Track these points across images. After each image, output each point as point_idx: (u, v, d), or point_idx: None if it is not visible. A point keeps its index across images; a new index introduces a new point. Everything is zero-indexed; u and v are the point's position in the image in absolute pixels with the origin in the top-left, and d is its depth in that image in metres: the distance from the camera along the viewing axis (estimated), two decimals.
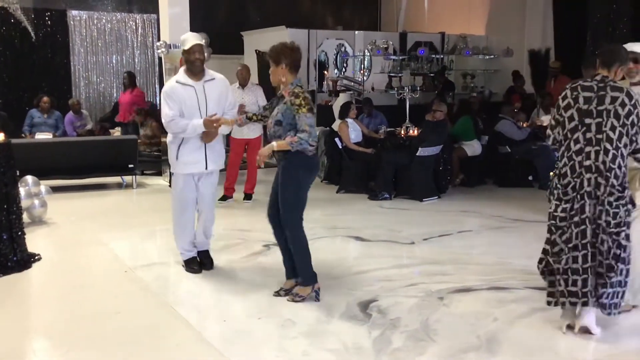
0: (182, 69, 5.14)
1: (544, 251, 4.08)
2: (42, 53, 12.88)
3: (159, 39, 10.55)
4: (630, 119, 3.81)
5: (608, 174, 3.79)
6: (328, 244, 6.24)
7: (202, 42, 5.05)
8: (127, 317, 4.36)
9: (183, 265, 5.33)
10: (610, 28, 10.83)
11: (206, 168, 5.15)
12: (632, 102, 3.83)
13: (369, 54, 12.49)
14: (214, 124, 4.94)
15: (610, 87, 3.86)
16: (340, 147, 9.00)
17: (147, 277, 5.20)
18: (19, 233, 5.49)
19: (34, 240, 6.07)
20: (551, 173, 4.11)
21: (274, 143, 4.36)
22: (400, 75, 12.16)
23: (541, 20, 12.26)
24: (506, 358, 3.71)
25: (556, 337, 3.97)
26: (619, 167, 3.81)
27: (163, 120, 5.05)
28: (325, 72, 12.40)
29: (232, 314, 4.39)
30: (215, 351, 3.81)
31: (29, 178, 7.09)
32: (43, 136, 10.24)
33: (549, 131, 4.10)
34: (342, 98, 10.27)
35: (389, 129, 9.51)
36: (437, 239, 6.42)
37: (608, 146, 3.80)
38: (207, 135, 5.01)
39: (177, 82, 5.04)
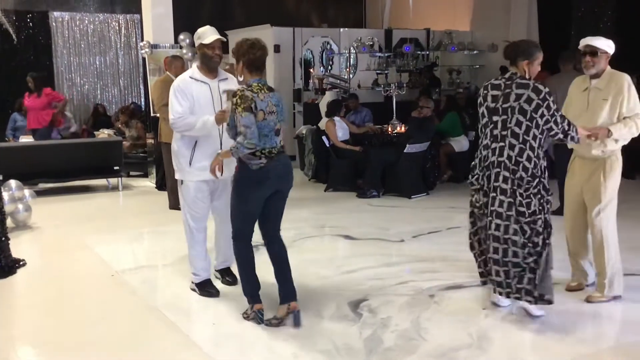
0: (194, 65, 4.69)
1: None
2: (24, 55, 12.75)
3: (142, 40, 10.45)
4: (540, 111, 3.91)
5: (515, 167, 3.94)
6: (317, 243, 6.21)
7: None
8: (114, 322, 4.30)
9: (193, 289, 4.77)
10: (595, 22, 10.89)
11: (221, 174, 4.32)
12: (541, 96, 3.92)
13: (354, 51, 12.46)
14: (225, 117, 4.34)
15: (516, 85, 3.99)
16: (328, 145, 8.96)
17: (134, 280, 5.13)
18: (3, 238, 5.40)
19: (18, 246, 5.99)
20: (472, 163, 4.26)
21: (219, 152, 4.16)
22: (386, 72, 12.14)
23: (526, 15, 12.28)
24: (498, 355, 3.69)
25: (547, 333, 3.96)
26: (528, 159, 3.93)
27: (170, 117, 4.52)
28: (311, 70, 12.35)
29: (221, 317, 4.33)
30: (204, 355, 3.76)
31: (13, 182, 7.00)
32: (27, 139, 10.12)
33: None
34: (329, 96, 10.24)
35: (376, 126, 9.48)
36: (427, 236, 6.39)
37: (513, 141, 3.94)
38: (220, 121, 4.46)
39: (190, 77, 4.59)
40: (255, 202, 4.04)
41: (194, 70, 4.66)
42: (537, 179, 3.96)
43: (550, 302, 3.99)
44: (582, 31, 10.86)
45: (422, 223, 6.87)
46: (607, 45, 4.36)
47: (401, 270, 5.30)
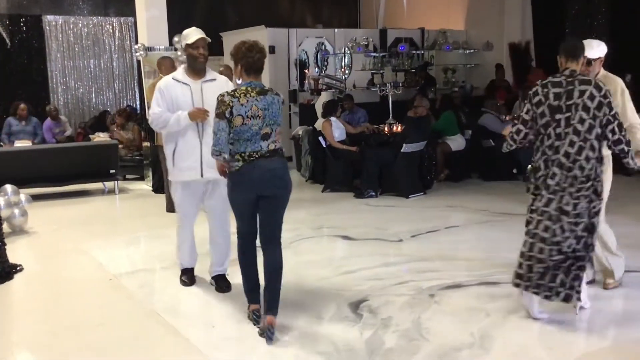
0: (182, 67, 4.77)
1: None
2: (18, 60, 12.69)
3: (136, 42, 10.40)
4: (602, 110, 3.83)
5: (571, 165, 3.85)
6: (315, 244, 6.18)
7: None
8: (112, 326, 4.26)
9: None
10: (589, 20, 10.91)
11: (202, 176, 4.66)
12: (602, 93, 3.85)
13: (349, 51, 12.44)
14: (203, 115, 4.52)
15: (578, 81, 3.90)
16: (324, 145, 8.94)
17: (132, 284, 5.10)
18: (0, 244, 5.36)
19: (15, 251, 5.94)
20: (529, 167, 4.12)
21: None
22: (381, 72, 12.13)
23: (520, 13, 12.31)
24: (500, 354, 3.67)
25: (550, 331, 3.94)
26: (586, 158, 3.84)
27: (149, 118, 4.73)
28: (306, 71, 12.33)
29: (220, 320, 4.30)
30: (204, 358, 3.73)
31: (8, 187, 6.95)
32: (22, 144, 10.07)
33: (520, 127, 4.08)
34: (324, 96, 10.23)
35: (373, 126, 9.47)
36: (425, 235, 6.38)
37: (574, 138, 3.84)
38: (194, 117, 4.57)
39: (173, 78, 4.68)
40: (240, 203, 4.04)
41: (179, 71, 4.75)
42: (591, 182, 3.87)
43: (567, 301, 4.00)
44: (576, 30, 10.89)
45: (420, 222, 6.85)
46: (600, 51, 4.39)
47: (400, 270, 5.27)
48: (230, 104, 3.87)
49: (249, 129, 3.89)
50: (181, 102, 4.61)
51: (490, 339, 3.85)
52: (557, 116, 3.90)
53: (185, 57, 4.78)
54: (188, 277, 5.02)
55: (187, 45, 4.62)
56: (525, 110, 4.07)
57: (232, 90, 3.96)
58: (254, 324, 4.08)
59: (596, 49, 4.38)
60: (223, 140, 3.87)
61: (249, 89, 3.95)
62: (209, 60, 4.78)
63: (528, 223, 4.07)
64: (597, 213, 3.95)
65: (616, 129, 3.86)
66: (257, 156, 3.92)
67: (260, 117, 3.91)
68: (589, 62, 4.34)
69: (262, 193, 3.96)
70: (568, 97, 3.88)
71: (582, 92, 3.85)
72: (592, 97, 3.83)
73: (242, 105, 3.88)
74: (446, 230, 6.57)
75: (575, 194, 3.86)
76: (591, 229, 3.93)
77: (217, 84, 4.67)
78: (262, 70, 4.06)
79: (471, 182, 9.29)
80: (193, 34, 4.63)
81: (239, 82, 4.08)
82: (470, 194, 8.36)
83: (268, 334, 3.85)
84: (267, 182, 3.94)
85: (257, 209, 4.03)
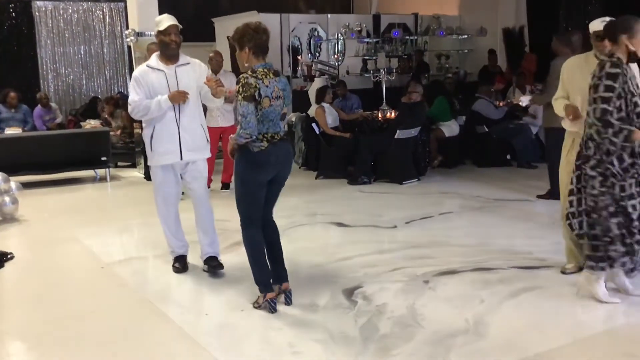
0: (155, 54, 4.79)
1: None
2: (7, 46, 12.56)
3: (127, 28, 10.29)
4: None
5: None
6: (308, 231, 6.15)
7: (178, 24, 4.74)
8: (105, 315, 4.23)
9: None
10: (584, 4, 10.84)
11: (181, 159, 4.74)
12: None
13: (342, 37, 12.35)
14: (183, 96, 4.60)
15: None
16: (318, 132, 8.89)
17: (125, 272, 5.06)
18: None
19: (6, 239, 5.91)
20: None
21: (231, 136, 4.11)
22: (374, 58, 12.05)
23: None
24: (494, 340, 3.65)
25: (543, 317, 3.93)
26: None
27: (129, 108, 4.74)
28: (299, 57, 12.24)
29: (214, 308, 4.28)
30: (198, 346, 3.70)
31: None
32: (12, 131, 9.96)
33: (610, 118, 3.80)
34: (318, 83, 10.14)
35: (366, 112, 9.42)
36: (419, 221, 6.35)
37: None
38: (174, 99, 4.64)
39: (147, 66, 4.74)
40: (258, 185, 4.02)
41: (152, 58, 4.77)
42: None
43: None
44: (571, 14, 10.83)
45: (414, 209, 6.83)
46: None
47: (395, 257, 5.25)
48: (257, 85, 3.86)
49: (273, 110, 3.94)
50: (157, 88, 4.67)
51: (484, 325, 3.83)
52: (635, 99, 3.85)
53: (157, 43, 4.81)
54: (181, 263, 5.00)
55: (159, 32, 4.67)
56: (616, 94, 3.80)
57: (252, 72, 3.92)
58: (270, 312, 4.04)
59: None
60: (253, 123, 3.86)
61: (265, 70, 3.95)
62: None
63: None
64: None
65: None
66: (278, 137, 3.99)
67: (281, 97, 3.99)
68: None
69: (278, 173, 4.07)
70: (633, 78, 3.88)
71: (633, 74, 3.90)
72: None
73: (267, 86, 3.90)
74: (440, 217, 6.55)
75: None
76: None
77: (191, 67, 4.79)
78: (267, 52, 4.05)
79: (465, 168, 9.27)
80: (165, 21, 4.68)
81: (247, 65, 4.02)
82: (464, 180, 8.34)
83: (288, 298, 4.15)
84: (287, 164, 4.12)
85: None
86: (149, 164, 4.95)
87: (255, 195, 4.03)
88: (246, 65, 4.02)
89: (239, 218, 4.13)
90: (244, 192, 4.03)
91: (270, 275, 4.14)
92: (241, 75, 3.92)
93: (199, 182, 4.87)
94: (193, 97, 4.74)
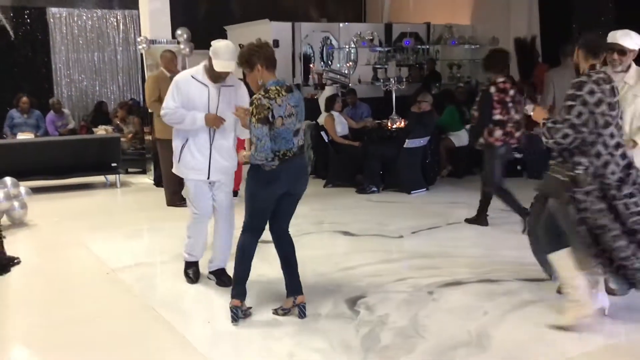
0: (202, 65, 4.56)
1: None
2: (22, 52, 12.66)
3: (140, 35, 10.36)
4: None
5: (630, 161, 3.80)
6: (315, 239, 6.14)
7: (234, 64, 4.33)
8: (107, 321, 4.23)
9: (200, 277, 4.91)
10: (596, 15, 10.78)
11: (208, 177, 4.61)
12: (617, 90, 3.86)
13: (354, 46, 12.36)
14: (218, 122, 4.46)
15: (609, 77, 3.83)
16: (327, 140, 8.89)
17: (129, 278, 5.07)
18: None
19: (13, 243, 5.93)
20: (578, 174, 3.72)
21: (244, 153, 4.14)
22: (385, 66, 12.04)
23: (526, 8, 12.18)
24: (497, 353, 3.62)
25: (547, 330, 3.89)
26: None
27: (162, 111, 4.59)
28: (311, 65, 12.27)
29: (216, 315, 4.26)
30: (199, 354, 3.69)
31: (8, 179, 6.92)
32: (24, 136, 10.06)
33: (568, 130, 3.68)
34: (328, 91, 10.16)
35: (375, 121, 9.40)
36: (426, 231, 6.32)
37: (619, 133, 3.81)
38: (209, 122, 4.50)
39: (192, 76, 4.53)
40: (265, 200, 4.01)
41: (198, 69, 4.56)
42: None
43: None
44: (584, 25, 10.76)
45: (421, 219, 6.80)
46: (635, 43, 4.29)
47: (400, 267, 5.22)
48: (270, 106, 3.81)
49: (286, 129, 3.90)
50: (196, 102, 4.49)
51: (487, 338, 3.80)
52: (614, 113, 3.77)
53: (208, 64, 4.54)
54: (193, 271, 4.91)
55: (215, 62, 4.37)
56: (576, 113, 3.68)
57: (264, 92, 3.87)
58: (232, 320, 4.03)
59: (633, 39, 4.29)
60: (268, 146, 3.83)
61: (278, 87, 3.90)
62: (209, 54, 4.64)
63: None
64: None
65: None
66: (290, 155, 3.95)
67: (294, 114, 3.95)
68: (624, 51, 4.26)
69: (291, 189, 4.05)
70: (611, 94, 3.78)
71: (615, 89, 3.82)
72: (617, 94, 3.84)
73: (279, 106, 3.85)
74: (448, 227, 6.52)
75: (631, 186, 3.76)
76: None
77: (235, 90, 4.60)
78: (276, 65, 4.03)
79: (474, 179, 9.15)
80: (223, 61, 4.33)
81: (260, 83, 3.96)
82: (473, 191, 8.21)
83: (302, 311, 4.11)
84: (299, 180, 4.09)
85: (276, 203, 4.06)
86: (174, 171, 4.80)
87: (262, 209, 4.05)
88: (260, 83, 3.96)
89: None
90: (251, 204, 4.06)
91: (245, 282, 4.15)
92: (254, 97, 3.89)
93: (226, 197, 4.76)
94: (231, 119, 4.52)
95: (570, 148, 3.75)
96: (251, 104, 3.88)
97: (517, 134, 6.25)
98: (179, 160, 4.65)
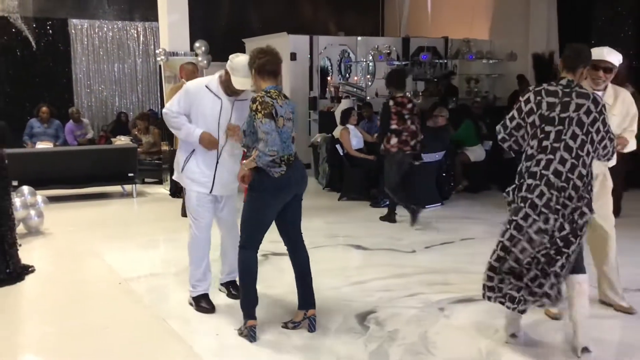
0: (217, 76, 4.43)
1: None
2: (43, 62, 12.85)
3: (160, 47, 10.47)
4: (596, 126, 3.58)
5: (564, 184, 3.54)
6: (328, 253, 6.12)
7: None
8: (117, 331, 4.25)
9: (191, 304, 4.63)
10: (616, 31, 10.71)
11: (210, 192, 4.49)
12: (598, 108, 3.59)
13: (372, 59, 12.38)
14: (212, 146, 4.37)
15: (576, 93, 3.60)
16: (342, 153, 8.89)
17: (141, 289, 5.10)
18: (12, 245, 5.39)
19: (29, 252, 5.99)
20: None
21: (244, 162, 4.03)
22: None
23: (545, 23, 12.12)
24: None
25: (558, 350, 3.83)
26: (579, 176, 3.56)
27: (164, 110, 4.49)
28: (329, 78, 12.31)
29: (224, 328, 4.25)
30: None
31: (25, 188, 7.00)
32: (44, 146, 10.18)
33: (499, 127, 3.86)
34: (344, 104, 10.18)
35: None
36: (439, 247, 6.28)
37: (566, 155, 3.55)
38: (203, 142, 4.38)
39: (206, 86, 4.39)
40: (273, 210, 3.99)
41: (212, 80, 4.43)
42: (584, 199, 3.59)
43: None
44: (603, 40, 10.68)
45: (435, 234, 6.76)
46: (618, 60, 4.22)
47: (411, 282, 5.19)
48: (273, 104, 3.84)
49: (285, 132, 3.92)
50: (207, 112, 4.37)
51: (497, 356, 3.76)
52: (547, 128, 3.61)
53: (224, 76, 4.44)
54: (207, 301, 4.60)
55: (233, 79, 4.26)
56: (509, 116, 3.79)
57: (266, 92, 3.88)
58: (250, 341, 3.96)
59: (616, 55, 4.20)
60: (277, 140, 3.82)
61: (277, 91, 3.94)
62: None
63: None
64: (582, 229, 3.64)
65: (608, 143, 3.66)
66: (292, 159, 3.98)
67: (291, 120, 4.00)
68: (610, 69, 4.18)
69: (299, 192, 4.08)
70: (563, 109, 3.59)
71: (579, 106, 3.57)
72: (588, 112, 3.56)
73: (280, 106, 3.89)
74: (462, 243, 6.47)
75: (570, 215, 3.57)
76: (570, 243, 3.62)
77: (248, 105, 4.39)
78: (277, 75, 4.00)
79: (490, 194, 9.15)
80: (240, 78, 4.21)
81: (252, 89, 4.02)
82: (489, 206, 8.23)
83: (312, 325, 4.10)
84: (303, 180, 4.11)
85: (284, 210, 4.06)
86: (175, 178, 4.73)
87: (266, 219, 3.99)
88: (255, 87, 4.03)
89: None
90: (254, 215, 3.96)
91: (256, 303, 4.03)
92: (256, 95, 3.90)
93: (231, 214, 4.68)
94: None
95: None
96: (254, 102, 3.85)
97: (412, 142, 7.18)
98: (182, 170, 4.52)
